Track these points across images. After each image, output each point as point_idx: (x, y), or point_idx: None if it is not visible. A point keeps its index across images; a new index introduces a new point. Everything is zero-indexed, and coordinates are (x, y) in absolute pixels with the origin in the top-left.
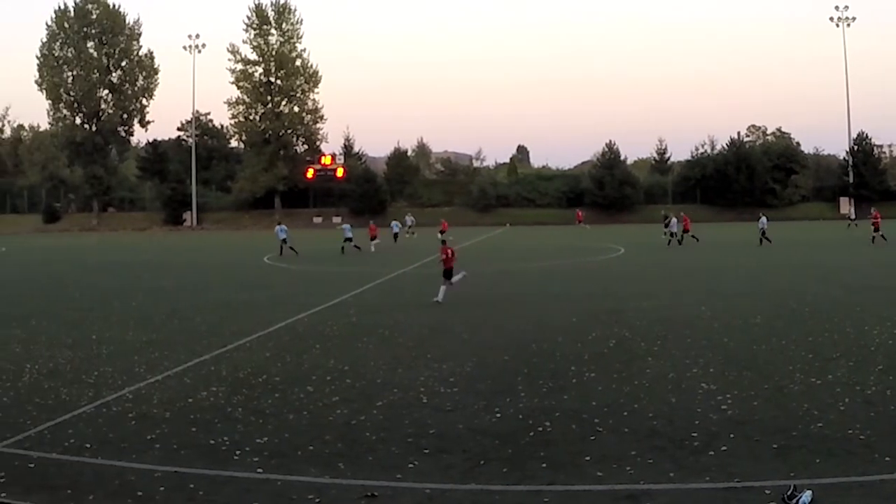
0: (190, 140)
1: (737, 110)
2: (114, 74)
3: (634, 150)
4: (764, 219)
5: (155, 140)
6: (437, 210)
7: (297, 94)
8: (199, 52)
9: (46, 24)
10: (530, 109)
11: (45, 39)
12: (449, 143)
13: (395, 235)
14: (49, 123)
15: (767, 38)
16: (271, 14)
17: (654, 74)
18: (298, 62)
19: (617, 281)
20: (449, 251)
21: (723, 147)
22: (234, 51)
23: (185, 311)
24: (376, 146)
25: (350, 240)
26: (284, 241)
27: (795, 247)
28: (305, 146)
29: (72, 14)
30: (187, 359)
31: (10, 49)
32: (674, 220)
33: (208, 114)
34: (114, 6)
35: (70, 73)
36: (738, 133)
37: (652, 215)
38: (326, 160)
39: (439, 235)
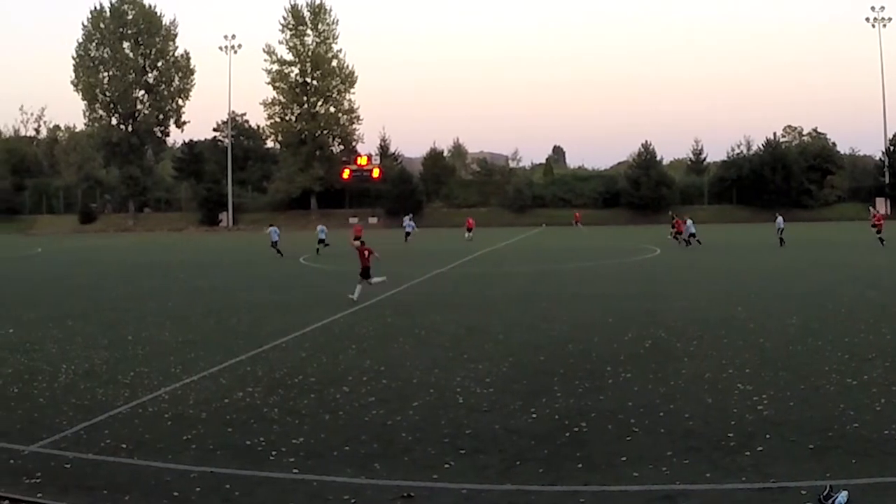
0: (226, 140)
1: (773, 111)
2: (150, 75)
3: (670, 151)
4: (780, 219)
5: (191, 140)
6: (473, 210)
7: (333, 95)
8: (235, 52)
9: (82, 24)
10: (566, 110)
11: (80, 40)
12: (485, 144)
13: (407, 235)
14: (85, 124)
15: (803, 38)
16: (307, 14)
17: (690, 75)
18: (334, 62)
19: (653, 281)
20: (366, 251)
21: (759, 147)
22: (270, 51)
23: (222, 312)
24: (412, 146)
25: (322, 241)
26: (275, 242)
27: (831, 247)
28: (341, 147)
29: (108, 15)
30: (223, 359)
31: (46, 49)
32: (689, 221)
33: (244, 114)
34: (150, 7)
35: (106, 74)
36: (774, 133)
37: (689, 216)
38: (362, 161)
39: (354, 242)
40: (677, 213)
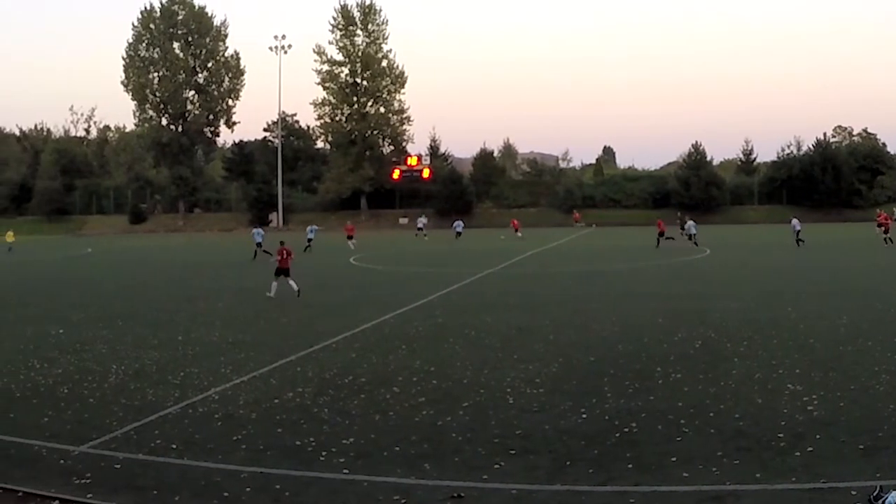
0: (276, 141)
1: (823, 111)
2: (200, 75)
3: (720, 151)
4: (795, 221)
5: (241, 141)
6: (523, 211)
7: (383, 95)
8: (286, 52)
9: (132, 24)
10: (617, 110)
11: (130, 40)
12: (535, 144)
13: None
14: (135, 124)
15: (854, 38)
16: (357, 15)
17: (740, 75)
18: (384, 63)
19: (703, 281)
20: (284, 252)
21: (809, 148)
22: (320, 51)
23: (271, 312)
24: (462, 147)
25: (260, 245)
26: (259, 244)
27: (880, 248)
28: (391, 147)
29: (158, 15)
30: (273, 359)
31: (97, 50)
32: (690, 222)
33: (294, 114)
34: (200, 7)
35: (156, 74)
36: (824, 134)
37: (739, 216)
38: (412, 161)
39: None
40: (685, 214)
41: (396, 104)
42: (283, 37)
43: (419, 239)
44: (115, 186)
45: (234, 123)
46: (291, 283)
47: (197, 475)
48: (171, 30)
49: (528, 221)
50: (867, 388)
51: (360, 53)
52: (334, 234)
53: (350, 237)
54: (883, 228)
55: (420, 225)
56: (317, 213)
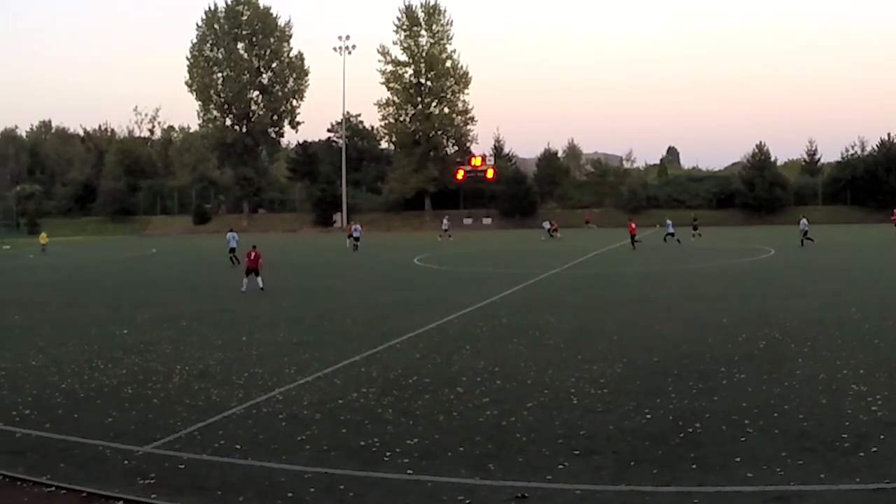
0: (340, 141)
1: (887, 111)
2: (264, 76)
3: (784, 152)
4: (804, 220)
5: (305, 141)
6: (586, 211)
7: (447, 96)
8: (350, 53)
9: (197, 25)
10: (681, 110)
11: (195, 41)
12: (599, 144)
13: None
14: (199, 125)
15: None
16: (421, 15)
17: (804, 75)
18: (448, 63)
19: (767, 282)
20: (252, 254)
21: (873, 148)
22: (384, 52)
23: (335, 313)
24: (526, 147)
25: (233, 250)
26: (233, 249)
27: None
28: (455, 147)
29: (222, 15)
30: (337, 360)
31: (161, 50)
32: (669, 222)
33: (359, 115)
34: (264, 7)
35: (220, 75)
36: (889, 134)
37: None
38: (476, 161)
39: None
40: (699, 215)
41: (460, 104)
42: (348, 37)
43: (444, 240)
44: (179, 187)
45: (298, 124)
46: (259, 280)
47: (261, 476)
48: (236, 30)
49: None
50: None
51: (424, 54)
52: (396, 234)
53: (350, 236)
54: None
55: (445, 227)
56: (381, 214)
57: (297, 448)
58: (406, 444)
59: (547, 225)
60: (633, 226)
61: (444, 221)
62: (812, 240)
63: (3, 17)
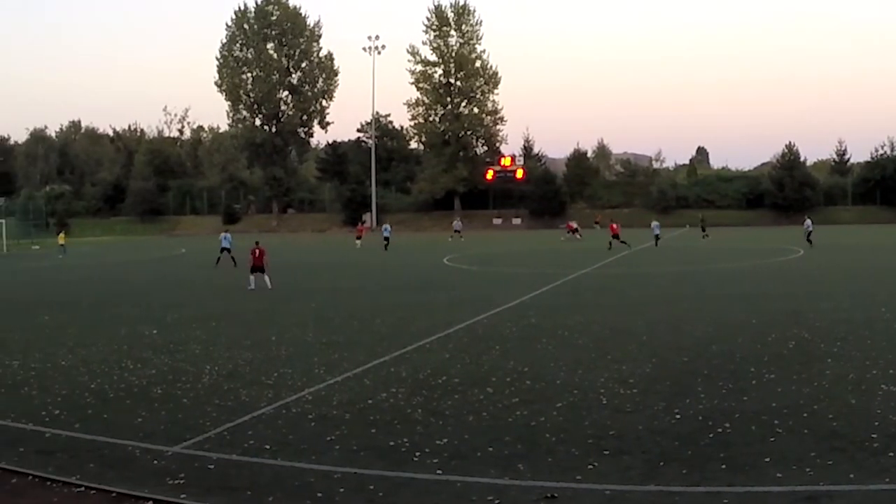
0: (370, 141)
1: None
2: (294, 76)
3: (814, 152)
4: (808, 221)
5: (335, 141)
6: (616, 211)
7: (477, 96)
8: (379, 53)
9: (226, 25)
10: (710, 110)
11: (224, 41)
12: (629, 144)
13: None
14: (229, 125)
15: None
16: (451, 15)
17: (834, 75)
18: (478, 63)
19: (796, 282)
20: (256, 252)
21: None
22: (413, 52)
23: (365, 313)
24: (556, 147)
25: (226, 250)
26: (227, 250)
27: None
28: (485, 147)
29: (252, 15)
30: (367, 360)
31: (190, 50)
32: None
33: (388, 115)
34: (294, 7)
35: (250, 75)
36: None
37: (832, 217)
38: (506, 161)
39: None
40: (706, 216)
41: (490, 104)
42: (377, 37)
43: (455, 241)
44: (209, 187)
45: (328, 124)
46: (266, 279)
47: (290, 476)
48: (265, 30)
49: (621, 222)
50: None
51: (453, 54)
52: (426, 234)
53: (358, 237)
54: None
55: (457, 227)
56: (410, 214)
57: (326, 448)
58: (435, 445)
59: (575, 224)
60: (615, 226)
61: (456, 222)
62: (811, 242)
63: (33, 18)
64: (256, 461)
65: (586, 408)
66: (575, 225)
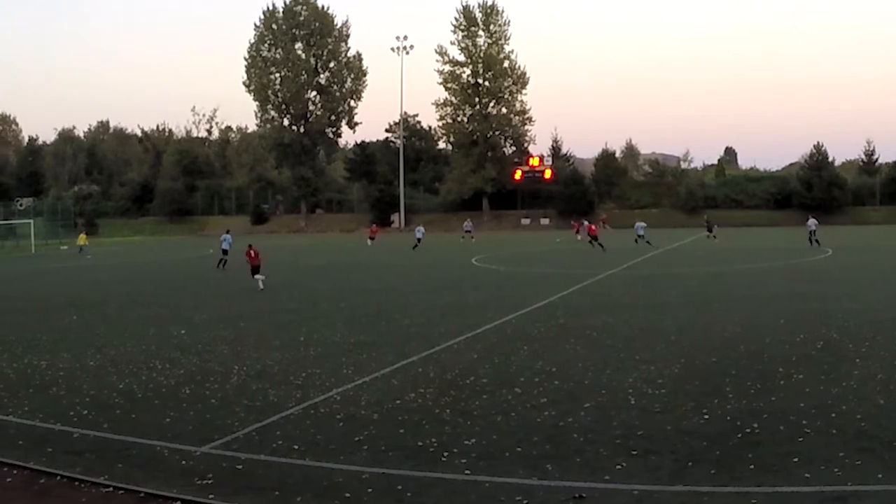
0: (398, 141)
1: None
2: (322, 76)
3: (842, 152)
4: (812, 220)
5: (363, 142)
6: (644, 212)
7: (505, 96)
8: (407, 53)
9: (255, 25)
10: (738, 111)
11: (253, 40)
12: (657, 145)
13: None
14: (257, 125)
15: None
16: (479, 15)
17: (862, 75)
18: (506, 63)
19: (825, 282)
20: (252, 252)
21: None
22: (441, 52)
23: (393, 313)
24: (584, 147)
25: (226, 252)
26: (225, 251)
27: None
28: (513, 147)
29: (280, 15)
30: (395, 360)
31: (219, 50)
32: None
33: (416, 115)
34: (322, 7)
35: (278, 75)
36: None
37: (860, 217)
38: (534, 161)
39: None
40: (712, 217)
41: (518, 105)
42: (405, 37)
43: (466, 241)
44: (237, 187)
45: (356, 124)
46: (259, 278)
47: (319, 476)
48: (294, 30)
49: (650, 222)
50: None
51: (481, 54)
52: (454, 234)
53: (372, 238)
54: None
55: (467, 228)
56: (438, 214)
57: (354, 448)
58: (464, 445)
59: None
60: (594, 227)
61: (466, 223)
62: (818, 242)
63: (62, 18)
64: (285, 461)
65: (615, 408)
66: (575, 226)
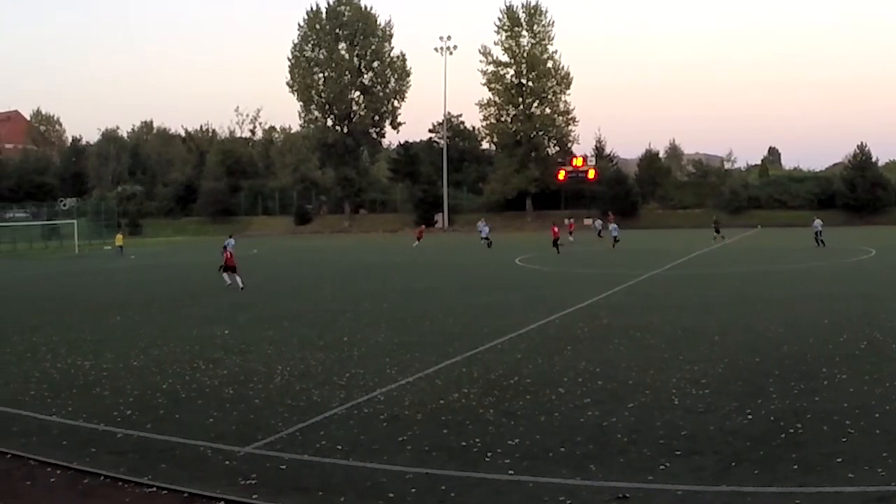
0: (441, 142)
1: None
2: (365, 76)
3: (886, 152)
4: (818, 221)
5: (406, 142)
6: (688, 212)
7: (549, 96)
8: (451, 53)
9: (298, 25)
10: (782, 110)
11: (296, 41)
12: (700, 145)
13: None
14: (300, 125)
15: None
16: (522, 16)
17: None
18: (549, 63)
19: (868, 282)
20: (228, 254)
21: None
22: (485, 52)
23: (437, 313)
24: (628, 147)
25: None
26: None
27: None
28: (556, 148)
29: (323, 15)
30: (438, 360)
31: (262, 51)
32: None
33: (459, 115)
34: (366, 7)
35: (321, 75)
36: None
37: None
38: (578, 162)
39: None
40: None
41: (562, 105)
42: (449, 38)
43: (483, 246)
44: (281, 187)
45: (400, 124)
46: (226, 276)
47: (362, 476)
48: (337, 30)
49: (693, 223)
50: None
51: (525, 54)
52: (497, 234)
53: (419, 238)
54: None
55: (484, 233)
56: (482, 214)
57: (398, 449)
58: (507, 445)
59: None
60: (556, 229)
61: (480, 223)
62: (824, 242)
63: (105, 19)
64: (328, 461)
65: (658, 408)
66: (571, 226)
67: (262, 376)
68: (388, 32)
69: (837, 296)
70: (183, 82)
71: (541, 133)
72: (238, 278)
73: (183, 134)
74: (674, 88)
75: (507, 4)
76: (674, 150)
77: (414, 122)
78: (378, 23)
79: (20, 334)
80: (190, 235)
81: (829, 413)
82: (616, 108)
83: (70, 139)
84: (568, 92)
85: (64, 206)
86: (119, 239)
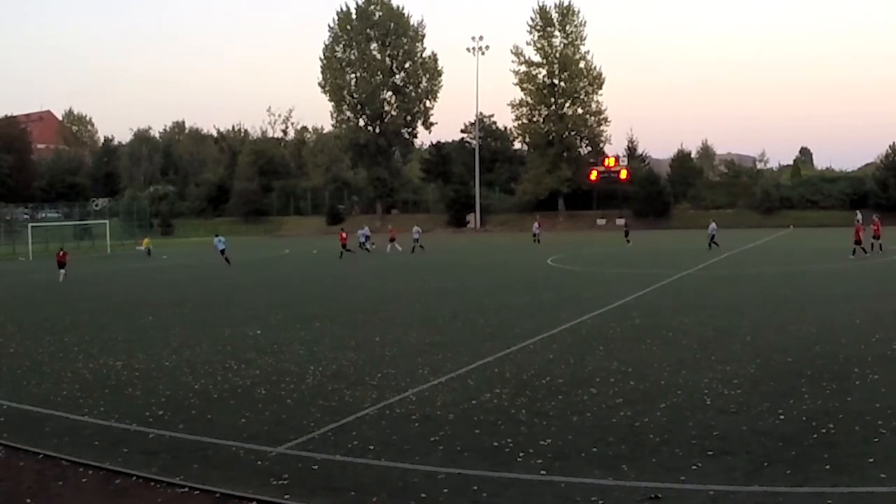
0: (473, 142)
1: None
2: (397, 76)
3: None
4: (713, 224)
5: (438, 142)
6: (719, 212)
7: (581, 96)
8: (483, 53)
9: (329, 25)
10: (814, 110)
11: (328, 41)
12: (732, 145)
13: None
14: (332, 125)
15: None
16: (555, 16)
17: None
18: (582, 64)
19: None
20: (61, 252)
21: None
22: (517, 52)
23: (468, 313)
24: (660, 147)
25: (223, 252)
26: (223, 251)
27: None
28: (589, 148)
29: (354, 16)
30: (470, 361)
31: (294, 51)
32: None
33: (492, 115)
34: (397, 7)
35: (353, 75)
36: None
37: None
38: (610, 162)
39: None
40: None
41: (594, 105)
42: (481, 38)
43: (483, 246)
44: (313, 187)
45: (432, 124)
46: (63, 272)
47: (394, 476)
48: (369, 31)
49: (725, 223)
50: None
51: (557, 54)
52: (530, 235)
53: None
54: (875, 236)
55: (471, 224)
56: (514, 214)
57: (430, 449)
58: (539, 445)
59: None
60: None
61: (469, 216)
62: (716, 244)
63: (137, 20)
64: (360, 462)
65: (690, 408)
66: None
67: (294, 376)
68: (420, 32)
69: (870, 296)
70: (215, 82)
71: (573, 133)
72: (63, 272)
73: (215, 134)
74: (706, 89)
75: (540, 4)
76: (706, 151)
77: (446, 122)
78: (410, 23)
79: (52, 334)
80: (222, 236)
81: (861, 413)
82: (648, 109)
83: (102, 139)
84: (600, 92)
85: (96, 206)
86: (146, 242)
